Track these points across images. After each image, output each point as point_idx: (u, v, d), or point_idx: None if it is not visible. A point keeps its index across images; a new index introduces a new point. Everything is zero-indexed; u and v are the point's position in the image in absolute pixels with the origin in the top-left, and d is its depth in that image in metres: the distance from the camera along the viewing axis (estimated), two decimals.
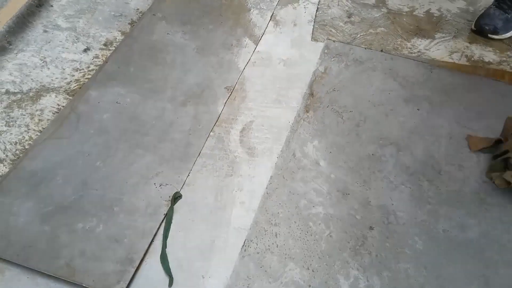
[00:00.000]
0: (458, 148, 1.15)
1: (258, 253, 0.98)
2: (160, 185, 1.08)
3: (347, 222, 1.02)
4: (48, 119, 1.23)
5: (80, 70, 1.37)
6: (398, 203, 1.05)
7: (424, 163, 1.13)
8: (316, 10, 1.56)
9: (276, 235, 1.00)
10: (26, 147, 1.17)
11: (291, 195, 1.07)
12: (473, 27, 1.46)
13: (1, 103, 1.27)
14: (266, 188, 1.08)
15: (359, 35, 1.47)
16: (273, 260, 0.96)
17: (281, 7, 1.58)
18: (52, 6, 1.58)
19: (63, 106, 1.26)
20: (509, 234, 1.00)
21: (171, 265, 0.95)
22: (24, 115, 1.24)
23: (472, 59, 1.39)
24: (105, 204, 1.04)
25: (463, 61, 1.38)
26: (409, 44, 1.43)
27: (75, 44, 1.45)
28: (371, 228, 1.01)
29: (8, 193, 1.06)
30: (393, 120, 1.22)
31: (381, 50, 1.41)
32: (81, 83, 1.33)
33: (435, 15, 1.53)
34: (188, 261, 0.97)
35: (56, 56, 1.41)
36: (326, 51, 1.41)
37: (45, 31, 1.49)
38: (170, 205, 1.04)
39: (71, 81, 1.34)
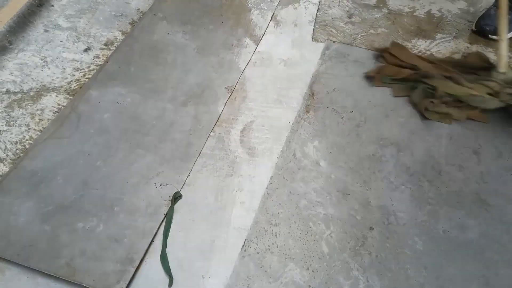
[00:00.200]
0: (458, 149, 1.15)
1: (258, 253, 0.98)
2: (160, 185, 1.08)
3: (347, 223, 1.02)
4: (48, 119, 1.23)
5: (80, 69, 1.37)
6: (398, 203, 1.05)
7: (424, 163, 1.13)
8: (317, 10, 1.56)
9: (276, 235, 1.00)
10: (27, 146, 1.17)
11: (291, 195, 1.07)
12: (473, 27, 1.46)
13: (2, 103, 1.27)
14: (266, 188, 1.09)
15: (359, 36, 1.47)
16: (273, 260, 0.96)
17: (281, 7, 1.58)
18: (53, 5, 1.58)
19: (63, 106, 1.26)
20: (509, 235, 1.00)
21: (171, 265, 0.95)
22: (25, 114, 1.24)
23: None
24: (105, 204, 1.04)
25: None
26: (409, 45, 1.43)
27: (75, 43, 1.45)
28: (371, 228, 1.01)
29: (8, 193, 1.06)
30: (393, 121, 1.22)
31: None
32: (82, 82, 1.33)
33: (436, 15, 1.53)
34: (188, 261, 0.97)
35: (56, 55, 1.41)
36: (326, 51, 1.41)
37: (45, 31, 1.49)
38: (170, 205, 1.04)
39: (71, 80, 1.34)
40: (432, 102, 1.18)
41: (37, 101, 1.28)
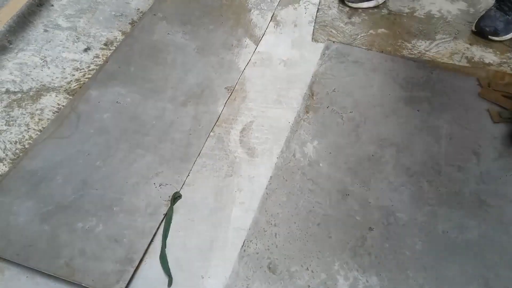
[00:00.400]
0: (458, 149, 1.15)
1: (257, 253, 0.98)
2: (160, 185, 1.08)
3: (346, 223, 1.02)
4: (48, 119, 1.23)
5: (80, 69, 1.37)
6: (398, 204, 1.05)
7: (424, 164, 1.13)
8: (317, 10, 1.57)
9: (275, 236, 1.00)
10: (26, 146, 1.17)
11: (291, 196, 1.07)
12: (473, 28, 1.46)
13: (1, 102, 1.27)
14: (266, 188, 1.08)
15: (359, 36, 1.47)
16: (273, 261, 0.96)
17: (281, 8, 1.58)
18: (52, 5, 1.58)
19: (63, 106, 1.26)
20: (509, 235, 1.00)
21: (170, 265, 0.95)
22: (24, 114, 1.24)
23: (473, 60, 1.39)
24: (105, 204, 1.04)
25: (464, 63, 1.38)
26: (409, 45, 1.43)
27: (75, 43, 1.45)
28: (370, 229, 1.01)
29: (8, 193, 1.06)
30: (393, 121, 1.22)
31: (382, 51, 1.41)
32: (82, 82, 1.33)
33: (436, 16, 1.53)
34: (187, 261, 0.97)
35: (56, 55, 1.41)
36: (326, 51, 1.41)
37: (45, 31, 1.49)
38: (170, 205, 1.04)
39: (71, 80, 1.34)
40: None
41: (37, 101, 1.28)
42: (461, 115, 1.23)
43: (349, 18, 1.54)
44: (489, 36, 1.43)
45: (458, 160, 1.13)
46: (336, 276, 0.94)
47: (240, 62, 1.39)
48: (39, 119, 1.23)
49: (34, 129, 1.21)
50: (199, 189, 1.09)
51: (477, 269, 0.95)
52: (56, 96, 1.29)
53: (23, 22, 1.51)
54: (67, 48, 1.44)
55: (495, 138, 1.18)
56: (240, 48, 1.43)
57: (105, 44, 1.45)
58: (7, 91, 1.30)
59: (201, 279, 0.94)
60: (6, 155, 1.15)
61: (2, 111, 1.25)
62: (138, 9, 1.58)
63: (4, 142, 1.18)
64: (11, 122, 1.22)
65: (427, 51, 1.42)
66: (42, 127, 1.21)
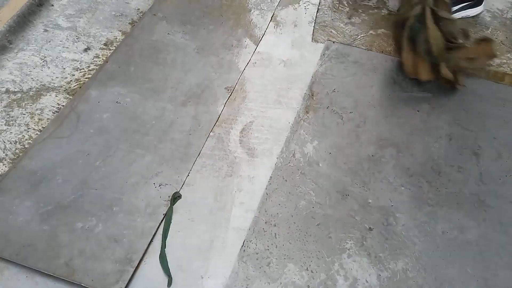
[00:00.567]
0: (458, 150, 1.15)
1: (257, 253, 0.98)
2: (159, 185, 1.08)
3: (346, 223, 1.02)
4: (48, 119, 1.23)
5: (80, 69, 1.37)
6: (398, 204, 1.05)
7: (423, 164, 1.13)
8: (317, 11, 1.57)
9: (275, 236, 1.00)
10: (26, 146, 1.17)
11: (291, 196, 1.07)
12: None
13: (1, 102, 1.27)
14: (266, 188, 1.08)
15: (359, 36, 1.47)
16: (272, 261, 0.96)
17: (281, 8, 1.58)
18: (52, 5, 1.58)
19: (63, 106, 1.26)
20: (508, 236, 1.00)
21: (170, 265, 0.95)
22: (24, 114, 1.24)
23: None
24: (104, 204, 1.04)
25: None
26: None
27: (75, 43, 1.45)
28: (370, 229, 1.01)
29: (7, 192, 1.06)
30: (393, 122, 1.22)
31: (382, 52, 1.41)
32: (81, 82, 1.33)
33: None
34: (187, 261, 0.97)
35: (56, 55, 1.41)
36: (326, 52, 1.41)
37: (45, 30, 1.49)
38: (169, 205, 1.04)
39: (71, 80, 1.34)
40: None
41: (37, 101, 1.28)
42: (461, 116, 1.23)
43: (349, 18, 1.54)
44: None
45: (458, 161, 1.13)
46: (335, 276, 0.94)
47: (240, 62, 1.39)
48: (39, 119, 1.23)
49: (34, 129, 1.21)
50: (199, 189, 1.09)
51: (477, 269, 0.95)
52: (56, 96, 1.29)
53: (23, 22, 1.51)
54: (67, 48, 1.44)
55: (495, 138, 1.18)
56: (240, 48, 1.43)
57: (105, 44, 1.45)
58: (7, 91, 1.30)
59: (200, 279, 0.94)
60: (6, 155, 1.15)
61: (2, 111, 1.25)
62: (138, 9, 1.58)
63: (4, 142, 1.18)
64: (11, 122, 1.22)
65: None
66: (42, 127, 1.21)
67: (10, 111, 1.25)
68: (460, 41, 1.24)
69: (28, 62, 1.38)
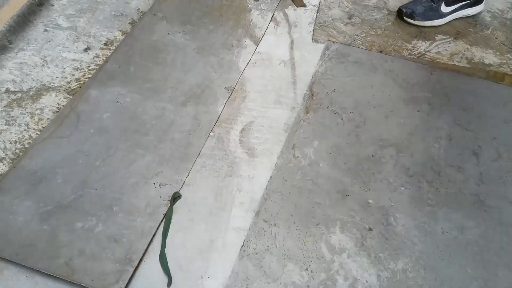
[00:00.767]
0: (457, 150, 1.15)
1: (257, 253, 0.98)
2: (159, 185, 1.08)
3: (346, 223, 1.02)
4: (48, 118, 1.23)
5: (80, 69, 1.37)
6: (398, 204, 1.05)
7: (423, 164, 1.13)
8: (317, 11, 1.57)
9: (275, 236, 1.00)
10: (26, 146, 1.17)
11: (291, 196, 1.07)
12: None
13: (1, 102, 1.27)
14: (266, 188, 1.08)
15: (359, 37, 1.47)
16: (272, 261, 0.96)
17: (281, 8, 1.58)
18: (53, 5, 1.58)
19: (63, 105, 1.26)
20: (508, 236, 1.00)
21: (170, 265, 0.95)
22: (24, 114, 1.24)
23: (473, 61, 1.39)
24: (104, 204, 1.04)
25: (464, 63, 1.38)
26: (409, 46, 1.43)
27: (75, 43, 1.45)
28: (370, 229, 1.01)
29: (7, 192, 1.06)
30: (393, 122, 1.22)
31: (382, 52, 1.41)
32: (82, 82, 1.33)
33: None
34: (187, 261, 0.97)
35: (56, 55, 1.41)
36: (326, 52, 1.41)
37: (45, 30, 1.49)
38: (169, 205, 1.04)
39: (71, 80, 1.34)
40: None
41: (37, 101, 1.28)
42: (461, 116, 1.23)
43: (349, 18, 1.54)
44: (404, 18, 1.47)
45: (458, 161, 1.13)
46: (335, 277, 0.94)
47: (240, 62, 1.39)
48: (39, 118, 1.23)
49: (34, 129, 1.21)
50: (198, 189, 1.09)
51: (477, 269, 0.95)
52: (56, 96, 1.29)
53: (23, 21, 1.51)
54: (67, 48, 1.44)
55: (495, 138, 1.18)
56: (240, 48, 1.43)
57: (105, 44, 1.45)
58: (7, 91, 1.30)
59: (200, 279, 0.94)
60: (6, 154, 1.15)
61: (2, 110, 1.25)
62: (138, 9, 1.58)
63: (4, 142, 1.18)
64: (11, 122, 1.22)
65: (427, 51, 1.42)
66: (42, 126, 1.21)
67: (10, 111, 1.25)
68: None
69: (28, 62, 1.38)
